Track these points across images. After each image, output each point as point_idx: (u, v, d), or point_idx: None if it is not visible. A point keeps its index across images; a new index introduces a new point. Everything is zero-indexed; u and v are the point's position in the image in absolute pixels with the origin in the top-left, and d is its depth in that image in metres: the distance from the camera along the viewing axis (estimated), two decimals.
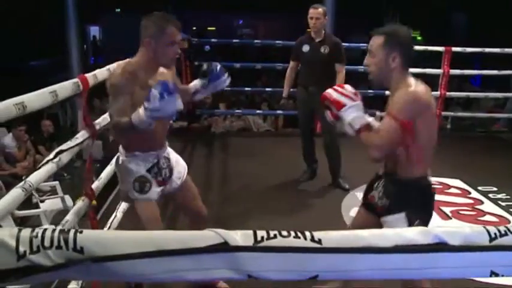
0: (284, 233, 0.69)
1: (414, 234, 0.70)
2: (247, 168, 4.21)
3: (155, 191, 1.95)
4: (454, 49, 5.20)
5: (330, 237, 0.69)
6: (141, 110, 1.68)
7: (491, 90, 7.01)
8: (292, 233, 0.69)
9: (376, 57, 1.66)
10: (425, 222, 1.69)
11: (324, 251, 0.67)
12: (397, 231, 0.72)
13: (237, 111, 6.32)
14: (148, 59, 1.85)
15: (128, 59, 1.89)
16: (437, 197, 3.57)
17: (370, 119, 1.67)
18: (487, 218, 3.31)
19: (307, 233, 0.69)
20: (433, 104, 1.65)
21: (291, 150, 4.75)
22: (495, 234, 0.74)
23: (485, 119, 6.47)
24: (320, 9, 3.55)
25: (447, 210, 3.39)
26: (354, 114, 1.66)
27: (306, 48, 3.66)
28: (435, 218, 3.22)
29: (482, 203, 3.55)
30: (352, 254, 0.68)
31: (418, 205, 1.70)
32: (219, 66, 2.15)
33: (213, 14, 14.16)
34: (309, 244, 0.68)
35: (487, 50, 5.40)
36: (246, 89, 6.25)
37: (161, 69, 1.92)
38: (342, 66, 3.56)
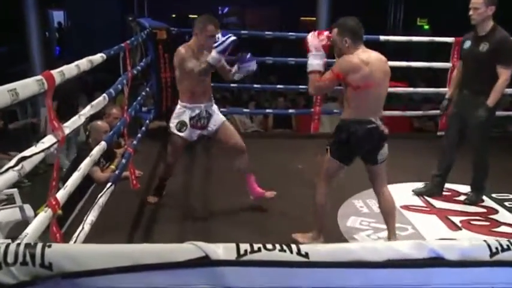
0: (269, 246, 0.73)
1: (408, 248, 0.74)
2: (232, 173, 4.24)
3: (189, 132, 3.35)
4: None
5: (318, 250, 0.73)
6: (212, 52, 3.07)
7: (508, 86, 7.14)
8: (278, 246, 0.73)
9: (336, 46, 2.72)
10: (342, 156, 2.80)
11: (311, 266, 0.71)
12: (390, 244, 0.76)
13: (222, 109, 6.34)
14: (197, 44, 3.27)
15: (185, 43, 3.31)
16: (445, 205, 3.69)
17: (321, 68, 2.72)
18: (503, 229, 3.37)
19: (294, 246, 0.73)
20: (367, 68, 2.62)
21: (281, 153, 4.81)
22: (496, 248, 0.78)
23: (501, 118, 6.54)
24: None
25: (456, 220, 3.45)
26: (311, 60, 2.72)
27: (467, 44, 3.53)
28: (442, 228, 3.32)
29: (496, 212, 3.62)
30: (341, 269, 0.72)
31: (339, 140, 2.76)
32: (249, 54, 3.36)
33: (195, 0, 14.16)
34: (295, 258, 0.72)
35: None
36: (232, 85, 6.29)
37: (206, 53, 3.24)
38: (505, 69, 3.32)
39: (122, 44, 3.47)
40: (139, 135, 4.25)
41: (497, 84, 3.33)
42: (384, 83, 2.76)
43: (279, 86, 5.82)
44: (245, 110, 6.40)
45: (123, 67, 3.69)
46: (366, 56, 2.67)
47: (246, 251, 0.73)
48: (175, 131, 3.36)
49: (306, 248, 0.74)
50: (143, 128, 4.57)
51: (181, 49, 3.27)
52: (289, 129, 6.51)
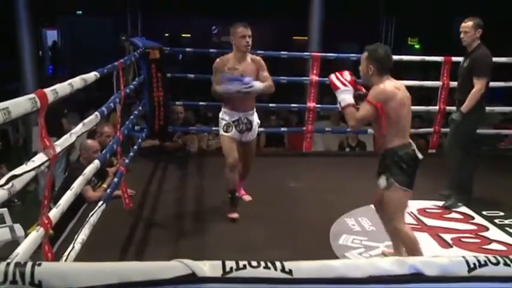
0: (254, 263, 0.75)
1: (389, 264, 0.77)
2: (225, 192, 4.26)
3: (235, 132, 3.63)
4: (455, 59, 5.36)
5: (301, 267, 0.76)
6: (223, 85, 3.48)
7: (497, 104, 7.23)
8: (262, 263, 0.75)
9: (361, 66, 2.84)
10: (403, 182, 2.74)
11: (295, 282, 0.74)
12: (372, 261, 0.79)
13: (214, 128, 6.38)
14: (234, 51, 3.60)
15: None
16: (436, 223, 3.74)
17: (353, 102, 2.78)
18: (493, 246, 3.40)
19: (278, 263, 0.76)
20: (399, 94, 2.74)
21: (274, 171, 4.84)
22: (474, 264, 0.81)
23: (491, 136, 6.62)
24: (469, 23, 3.91)
25: (447, 237, 3.48)
26: (342, 95, 2.78)
27: (462, 61, 4.10)
28: (434, 246, 3.35)
29: (487, 229, 3.66)
30: (324, 285, 0.74)
31: (396, 168, 2.74)
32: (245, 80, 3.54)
33: (188, 19, 14.28)
34: (279, 275, 0.74)
35: (493, 59, 5.58)
36: None
37: (249, 60, 3.63)
38: (477, 80, 3.85)
39: (115, 63, 3.51)
40: (131, 153, 4.26)
41: (472, 92, 3.85)
42: (410, 108, 2.87)
43: (271, 105, 5.85)
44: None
45: (116, 86, 3.73)
46: (394, 83, 2.79)
47: (231, 268, 0.75)
48: (223, 133, 3.65)
49: (290, 265, 0.76)
50: (135, 147, 4.58)
51: (217, 60, 3.64)
52: (281, 147, 6.54)
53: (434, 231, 3.59)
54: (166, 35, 14.89)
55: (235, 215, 3.67)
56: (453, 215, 3.92)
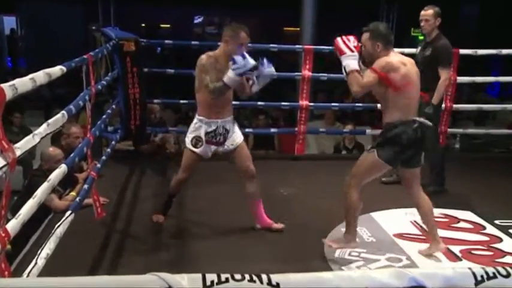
0: (237, 276, 0.75)
1: (387, 276, 0.77)
2: (206, 198, 4.26)
3: (204, 148, 3.49)
4: (463, 51, 5.42)
5: (290, 280, 0.76)
6: (229, 73, 3.22)
7: (510, 102, 7.30)
8: (247, 277, 0.75)
9: (365, 48, 3.08)
10: (383, 156, 3.08)
11: None
12: (368, 273, 0.79)
13: None
14: (225, 52, 3.39)
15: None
16: (443, 233, 3.78)
17: (358, 68, 3.03)
18: (507, 259, 3.40)
19: (264, 276, 0.76)
20: (404, 68, 3.02)
21: (263, 177, 4.81)
22: (482, 276, 0.82)
23: (503, 137, 6.66)
24: (429, 11, 4.31)
25: (456, 249, 3.48)
26: (347, 61, 3.01)
27: (418, 49, 4.47)
28: (440, 258, 3.35)
29: (500, 240, 3.67)
30: None
31: (388, 141, 3.07)
32: (265, 60, 3.48)
33: (167, 7, 14.24)
34: None
35: (505, 51, 5.65)
36: None
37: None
38: (443, 70, 4.24)
39: (85, 56, 3.49)
40: (104, 157, 4.24)
41: (440, 83, 4.22)
42: (418, 84, 3.15)
43: (259, 103, 5.86)
44: None
45: (86, 81, 3.71)
46: (400, 57, 3.10)
47: (212, 281, 0.75)
48: (190, 147, 3.51)
49: (277, 278, 0.76)
50: (109, 150, 4.56)
51: (203, 57, 3.41)
52: (271, 150, 6.55)
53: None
54: (143, 25, 14.83)
55: (160, 218, 3.72)
56: (462, 224, 3.93)
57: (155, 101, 5.72)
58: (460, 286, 0.82)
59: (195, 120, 3.53)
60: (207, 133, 3.48)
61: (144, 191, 4.49)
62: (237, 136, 3.59)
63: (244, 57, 3.22)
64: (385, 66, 3.00)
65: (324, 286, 0.77)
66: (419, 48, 4.50)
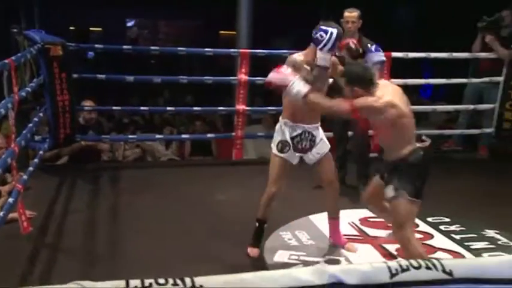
0: (161, 280, 0.78)
1: (308, 274, 0.83)
2: (145, 208, 4.23)
3: (292, 153, 3.33)
4: (394, 54, 5.65)
5: (212, 282, 0.79)
6: (319, 53, 3.11)
7: (440, 103, 7.68)
8: (171, 280, 0.78)
9: (346, 93, 2.99)
10: (419, 191, 2.97)
11: None
12: (289, 272, 0.84)
13: (131, 136, 6.31)
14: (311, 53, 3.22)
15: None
16: (379, 233, 3.90)
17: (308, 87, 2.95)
18: (439, 254, 3.61)
19: (187, 280, 0.79)
20: (393, 108, 2.83)
21: (200, 183, 4.86)
22: (396, 270, 0.89)
23: (435, 137, 6.99)
24: (355, 13, 4.48)
25: (392, 248, 3.63)
26: (295, 90, 2.93)
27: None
28: (377, 258, 3.49)
29: (432, 237, 3.87)
30: None
31: (409, 176, 2.94)
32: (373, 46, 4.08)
33: (98, 10, 13.96)
34: None
35: (433, 55, 5.95)
36: (143, 108, 6.28)
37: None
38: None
39: (6, 61, 3.40)
40: (31, 168, 4.13)
41: None
42: (410, 111, 2.97)
43: (195, 108, 5.89)
44: (159, 135, 6.39)
45: (7, 88, 3.60)
46: (384, 93, 2.88)
47: (135, 287, 0.77)
48: (277, 152, 3.34)
49: (201, 281, 0.80)
50: (36, 160, 4.44)
51: (295, 55, 3.29)
52: (209, 156, 6.58)
53: (377, 242, 3.74)
54: (72, 28, 14.47)
55: (254, 252, 3.46)
56: None
57: (86, 108, 5.61)
58: (377, 280, 0.88)
59: (278, 124, 3.40)
60: (292, 138, 3.32)
61: (75, 202, 4.39)
62: (324, 146, 3.42)
63: (326, 32, 3.08)
64: (366, 109, 2.88)
65: (247, 286, 0.80)
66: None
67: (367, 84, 2.88)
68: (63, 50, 4.86)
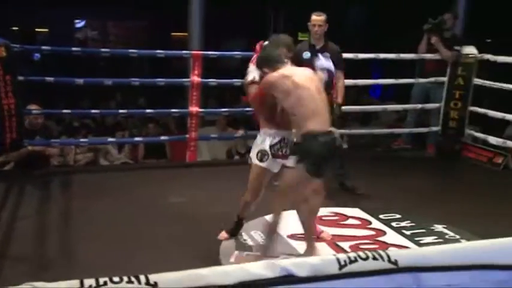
0: (116, 279, 0.79)
1: (260, 268, 0.86)
2: (97, 213, 4.19)
3: (272, 162, 3.41)
4: (345, 55, 5.77)
5: (167, 279, 0.82)
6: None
7: (390, 102, 7.90)
8: (125, 278, 0.80)
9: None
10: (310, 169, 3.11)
11: None
12: (242, 266, 0.87)
13: (83, 140, 6.22)
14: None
15: None
16: (333, 231, 3.99)
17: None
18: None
19: (142, 277, 0.81)
20: (288, 80, 3.05)
21: (153, 186, 4.84)
22: (345, 261, 0.93)
23: (385, 136, 7.19)
24: (323, 17, 4.54)
25: (345, 245, 3.73)
26: (251, 73, 3.36)
27: (306, 55, 4.52)
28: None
29: (384, 233, 3.99)
30: None
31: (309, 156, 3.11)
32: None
33: (42, 9, 13.59)
34: None
35: (382, 56, 6.12)
36: (94, 111, 6.19)
37: None
38: (341, 73, 4.59)
39: None
40: None
41: (341, 85, 4.59)
42: (316, 91, 3.13)
43: (148, 111, 5.85)
44: (111, 139, 6.32)
45: None
46: (288, 70, 3.15)
47: (90, 286, 0.79)
48: (256, 161, 3.44)
49: (155, 278, 0.82)
50: None
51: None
52: (162, 158, 6.55)
53: (331, 240, 3.82)
54: (15, 29, 14.04)
55: (223, 236, 3.70)
56: (350, 221, 4.21)
57: (34, 111, 5.49)
58: (326, 271, 0.92)
59: (258, 136, 3.51)
60: (271, 146, 3.41)
61: (24, 209, 4.29)
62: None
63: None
64: (265, 85, 3.19)
65: (201, 282, 0.83)
66: (307, 54, 4.59)
67: (273, 63, 3.13)
68: (6, 52, 4.75)
